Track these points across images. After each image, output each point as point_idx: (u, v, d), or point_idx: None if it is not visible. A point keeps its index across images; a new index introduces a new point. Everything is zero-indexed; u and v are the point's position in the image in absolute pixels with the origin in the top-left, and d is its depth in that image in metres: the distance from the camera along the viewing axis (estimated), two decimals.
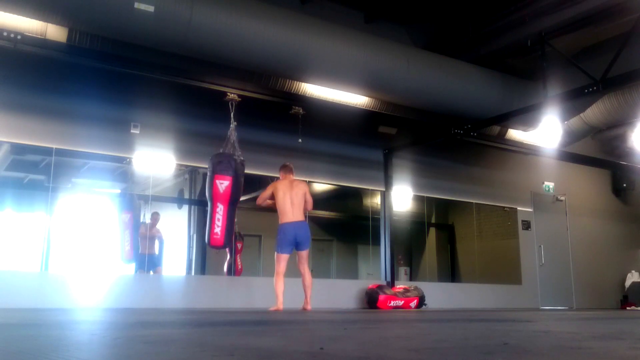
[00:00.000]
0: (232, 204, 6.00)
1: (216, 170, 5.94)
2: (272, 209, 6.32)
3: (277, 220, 6.19)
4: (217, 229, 5.93)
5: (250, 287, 7.42)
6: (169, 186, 9.29)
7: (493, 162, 9.72)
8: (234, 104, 6.52)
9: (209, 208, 5.99)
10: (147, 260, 7.88)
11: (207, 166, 6.14)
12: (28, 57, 5.86)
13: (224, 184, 5.90)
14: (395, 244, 8.68)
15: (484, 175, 9.76)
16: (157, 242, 8.30)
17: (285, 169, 6.39)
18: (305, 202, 6.15)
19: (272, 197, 6.19)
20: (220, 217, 5.93)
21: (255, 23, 5.83)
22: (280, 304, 5.85)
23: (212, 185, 5.95)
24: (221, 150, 6.19)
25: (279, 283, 5.94)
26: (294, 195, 6.10)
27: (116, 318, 3.99)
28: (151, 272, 7.97)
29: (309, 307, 6.04)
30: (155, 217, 8.25)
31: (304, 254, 6.11)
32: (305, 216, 6.26)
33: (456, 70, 7.38)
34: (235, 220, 6.23)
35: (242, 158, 6.14)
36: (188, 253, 9.11)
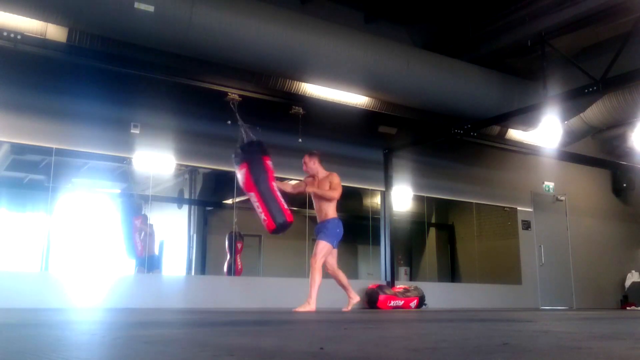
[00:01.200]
0: (262, 185, 5.43)
1: (235, 168, 5.60)
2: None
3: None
4: (262, 216, 5.44)
5: (250, 287, 7.42)
6: (169, 186, 9.29)
7: (493, 162, 9.72)
8: (236, 104, 6.49)
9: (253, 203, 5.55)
10: (149, 263, 8.04)
11: (209, 166, 6.03)
12: (28, 57, 5.86)
13: (241, 172, 5.49)
14: (395, 244, 8.68)
15: (484, 175, 9.76)
16: (155, 242, 8.36)
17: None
18: None
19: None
20: (258, 204, 5.43)
21: (256, 23, 5.83)
22: (314, 304, 5.63)
23: (238, 181, 5.60)
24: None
25: (320, 277, 5.73)
26: None
27: (116, 318, 3.99)
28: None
29: (358, 297, 6.06)
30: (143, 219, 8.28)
31: (337, 251, 6.04)
32: None
33: (456, 70, 7.38)
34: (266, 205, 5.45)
35: (257, 139, 5.71)
36: (188, 253, 9.12)
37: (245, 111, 6.64)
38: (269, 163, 5.57)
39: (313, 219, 8.63)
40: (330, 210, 5.96)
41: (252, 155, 5.56)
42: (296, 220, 9.42)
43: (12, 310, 5.15)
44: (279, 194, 5.52)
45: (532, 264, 9.93)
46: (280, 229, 5.57)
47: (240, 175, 5.53)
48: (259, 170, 5.52)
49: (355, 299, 6.02)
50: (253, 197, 5.46)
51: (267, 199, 5.46)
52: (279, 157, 7.69)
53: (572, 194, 10.65)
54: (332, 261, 5.98)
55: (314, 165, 6.07)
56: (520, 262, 9.86)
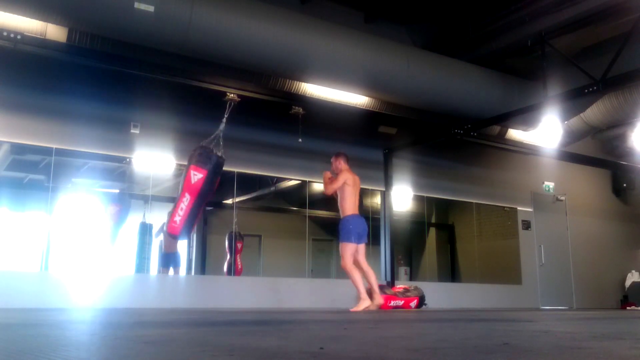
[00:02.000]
0: (200, 197, 5.83)
1: (192, 162, 5.81)
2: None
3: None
4: (177, 218, 5.75)
5: (250, 287, 7.42)
6: (169, 186, 9.29)
7: (493, 162, 9.72)
8: (232, 104, 6.48)
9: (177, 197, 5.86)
10: (170, 259, 8.18)
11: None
12: (28, 57, 5.86)
13: (197, 176, 5.74)
14: (395, 244, 8.68)
15: (484, 175, 9.76)
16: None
17: (347, 158, 6.24)
18: None
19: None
20: (184, 207, 5.75)
21: (255, 23, 5.83)
22: (367, 298, 5.72)
23: (186, 175, 5.81)
24: (203, 144, 5.99)
25: (358, 274, 5.83)
26: (358, 190, 6.14)
27: (116, 318, 3.99)
28: (171, 270, 8.21)
29: (382, 300, 6.02)
30: None
31: (364, 247, 6.11)
32: None
33: (456, 70, 7.38)
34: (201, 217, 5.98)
35: (223, 156, 5.98)
36: (188, 253, 9.13)
37: (245, 111, 6.65)
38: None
39: (312, 219, 8.66)
40: (342, 209, 6.11)
41: (217, 167, 5.69)
42: (296, 220, 9.48)
43: (12, 310, 5.15)
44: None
45: (532, 264, 9.93)
46: (178, 239, 5.97)
47: (196, 175, 5.61)
48: (212, 186, 5.78)
49: (381, 300, 5.98)
50: (187, 199, 5.66)
51: (194, 211, 5.73)
52: (279, 157, 7.72)
53: (572, 194, 10.64)
54: (360, 257, 6.07)
55: (339, 165, 6.19)
56: (520, 262, 9.86)
